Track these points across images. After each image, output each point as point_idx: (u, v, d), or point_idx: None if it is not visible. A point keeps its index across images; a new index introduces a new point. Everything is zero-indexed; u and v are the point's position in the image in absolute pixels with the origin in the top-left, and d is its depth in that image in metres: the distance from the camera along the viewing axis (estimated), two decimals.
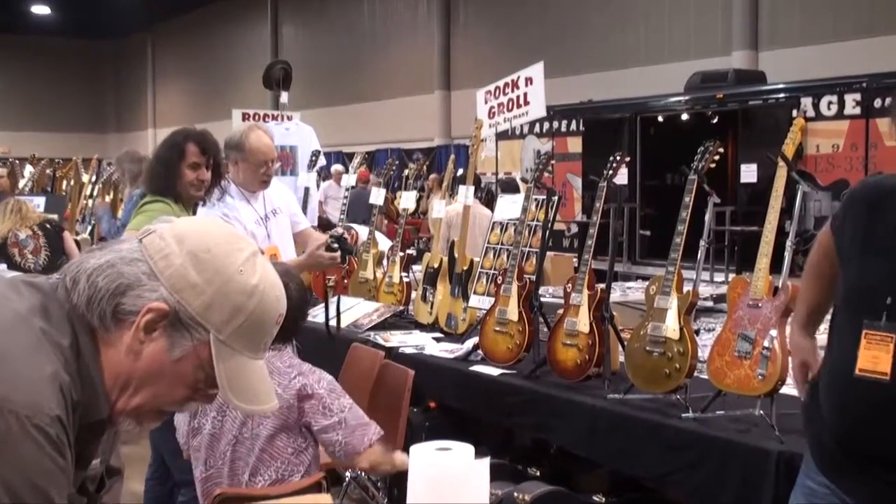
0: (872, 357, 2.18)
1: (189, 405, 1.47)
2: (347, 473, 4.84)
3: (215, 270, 1.40)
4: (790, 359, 2.36)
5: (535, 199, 5.04)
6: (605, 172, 4.24)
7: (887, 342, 2.17)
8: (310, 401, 3.19)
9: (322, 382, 3.25)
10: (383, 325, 5.46)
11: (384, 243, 7.12)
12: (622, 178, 11.13)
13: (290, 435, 3.21)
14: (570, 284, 4.16)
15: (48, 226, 6.60)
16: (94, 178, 12.53)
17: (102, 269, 1.39)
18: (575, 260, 8.97)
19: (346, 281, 6.31)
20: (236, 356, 1.41)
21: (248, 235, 4.50)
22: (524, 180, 7.84)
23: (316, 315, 5.43)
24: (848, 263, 2.27)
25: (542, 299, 4.71)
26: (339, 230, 4.80)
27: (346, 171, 8.73)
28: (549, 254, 8.97)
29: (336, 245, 4.37)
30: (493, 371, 4.44)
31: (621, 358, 4.17)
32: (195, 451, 3.33)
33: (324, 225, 8.43)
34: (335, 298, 5.99)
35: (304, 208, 6.76)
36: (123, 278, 1.38)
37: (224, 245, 1.43)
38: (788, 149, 3.67)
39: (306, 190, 7.16)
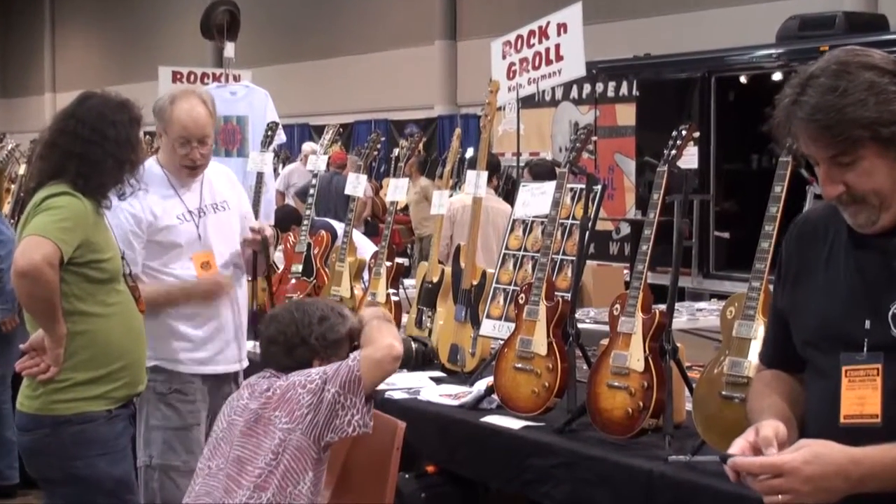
0: (858, 398, 2.34)
1: None
2: None
3: None
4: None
5: (571, 189, 5.02)
6: (666, 152, 4.24)
7: (873, 377, 2.33)
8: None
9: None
10: None
11: (365, 249, 7.11)
12: (691, 160, 11.12)
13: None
14: (618, 305, 4.15)
15: None
16: None
17: None
18: (626, 272, 8.95)
19: None
20: None
21: (140, 237, 4.51)
22: (556, 163, 7.84)
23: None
24: (804, 302, 2.52)
25: (581, 326, 4.69)
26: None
27: None
28: (591, 263, 8.95)
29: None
30: (514, 423, 4.43)
31: (688, 406, 4.15)
32: None
33: (288, 216, 8.42)
34: None
35: (257, 201, 6.75)
36: None
37: None
38: None
39: (259, 176, 7.14)
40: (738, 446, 2.33)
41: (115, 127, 3.99)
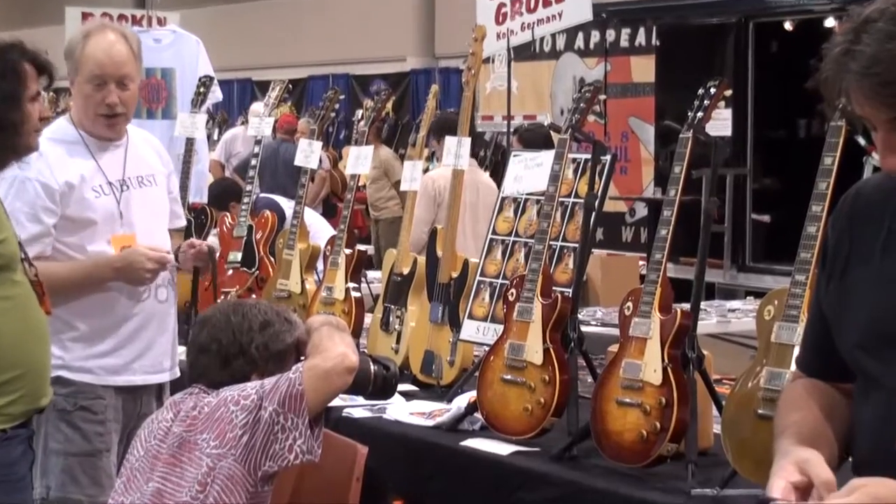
0: None
1: None
2: None
3: None
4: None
5: (574, 160, 5.02)
6: (692, 115, 4.25)
7: None
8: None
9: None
10: None
11: (320, 232, 7.10)
12: (723, 125, 11.13)
13: None
14: (630, 304, 4.16)
15: None
16: None
17: None
18: (641, 263, 8.98)
19: (253, 296, 6.29)
20: None
21: (53, 213, 4.49)
22: (556, 128, 7.86)
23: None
24: (854, 296, 2.49)
25: (585, 328, 4.70)
26: None
27: None
28: (598, 252, 8.95)
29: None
30: (501, 448, 4.44)
31: (716, 428, 4.17)
32: None
33: (226, 190, 8.40)
34: None
35: (186, 174, 6.73)
36: None
37: None
38: None
39: (189, 142, 7.12)
40: (778, 488, 2.30)
41: None
